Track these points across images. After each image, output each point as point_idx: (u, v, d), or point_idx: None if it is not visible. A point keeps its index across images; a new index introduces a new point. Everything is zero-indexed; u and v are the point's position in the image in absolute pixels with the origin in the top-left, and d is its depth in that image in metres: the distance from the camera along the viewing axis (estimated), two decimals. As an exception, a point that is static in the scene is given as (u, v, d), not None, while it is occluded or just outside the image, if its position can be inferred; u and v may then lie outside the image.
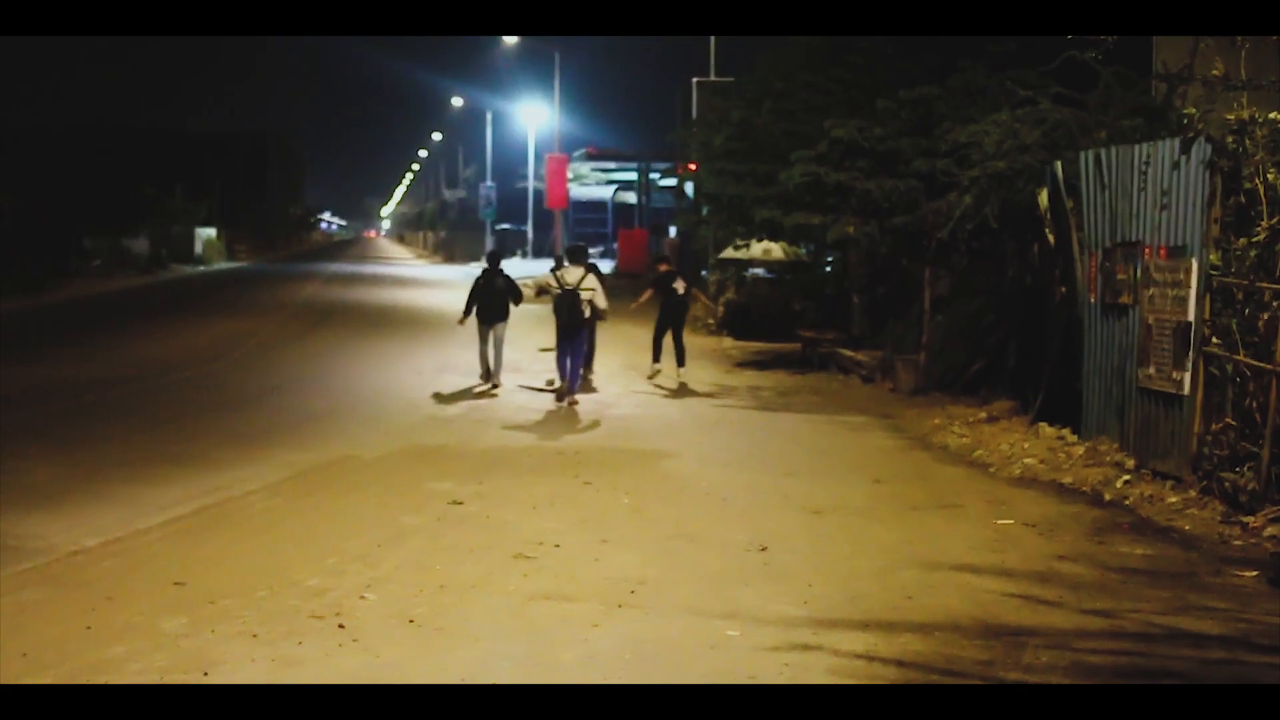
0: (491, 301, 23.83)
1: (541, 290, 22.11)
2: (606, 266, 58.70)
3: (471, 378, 24.33)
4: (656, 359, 26.04)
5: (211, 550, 11.52)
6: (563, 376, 22.06)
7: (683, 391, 23.97)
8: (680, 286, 26.58)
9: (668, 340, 26.06)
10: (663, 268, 27.89)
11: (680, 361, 25.81)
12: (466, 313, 24.11)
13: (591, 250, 29.80)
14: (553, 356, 23.28)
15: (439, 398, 22.23)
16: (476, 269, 26.68)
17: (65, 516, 12.63)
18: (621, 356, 28.67)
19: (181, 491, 13.96)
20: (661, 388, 24.43)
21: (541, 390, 23.12)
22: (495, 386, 23.61)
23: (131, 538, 11.97)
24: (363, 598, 10.04)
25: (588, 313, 21.84)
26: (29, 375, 23.39)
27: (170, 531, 12.29)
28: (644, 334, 31.29)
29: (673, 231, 57.33)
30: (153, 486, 14.20)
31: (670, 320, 26.19)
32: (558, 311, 21.78)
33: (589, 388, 23.78)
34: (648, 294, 26.85)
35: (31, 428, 17.91)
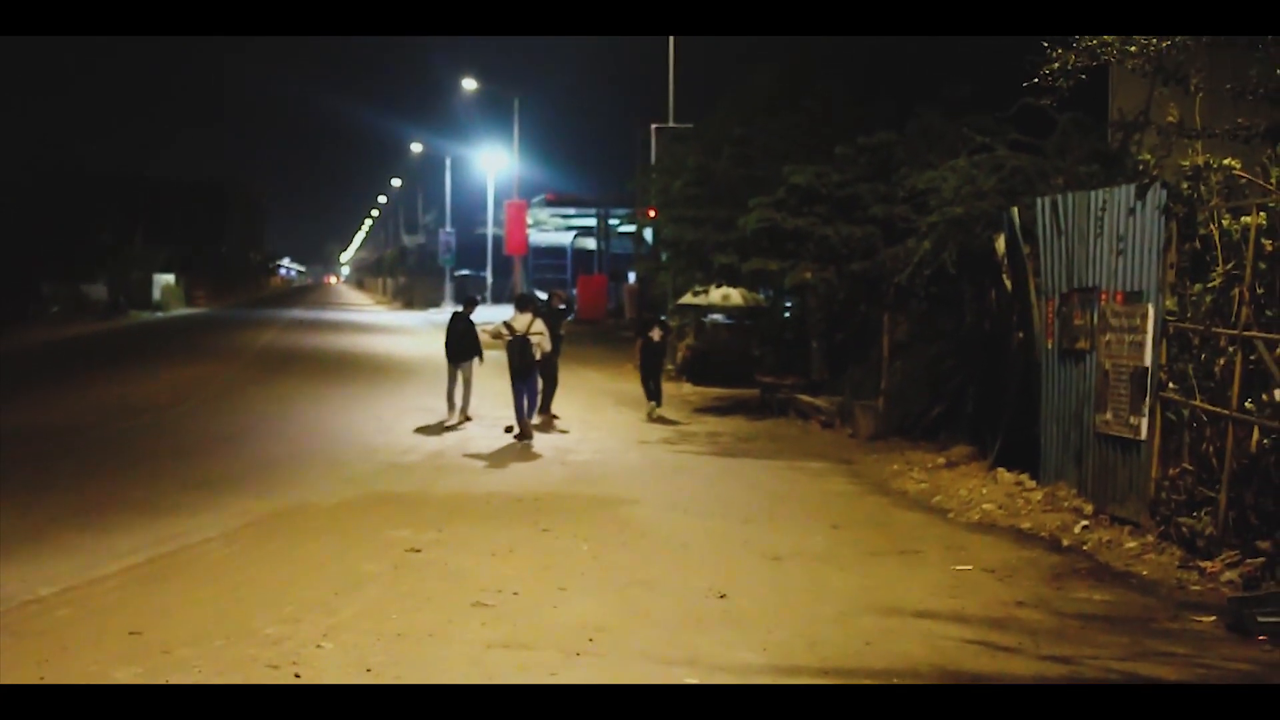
0: (458, 342, 25.35)
1: (496, 335, 23.14)
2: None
3: (432, 423, 24.45)
4: (650, 398, 27.45)
5: (168, 599, 11.43)
6: (518, 414, 23.05)
7: (644, 436, 23.94)
8: (656, 334, 27.90)
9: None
10: (645, 315, 30.29)
11: (657, 400, 27.40)
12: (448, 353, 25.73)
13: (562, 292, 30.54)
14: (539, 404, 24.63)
15: (398, 444, 22.17)
16: (436, 315, 27.27)
17: (20, 565, 12.53)
18: (581, 402, 28.69)
19: (138, 539, 13.87)
20: (653, 422, 24.50)
21: (507, 432, 23.20)
22: (465, 420, 25.05)
23: (87, 586, 11.87)
24: (319, 646, 9.97)
25: (537, 355, 23.18)
26: (-16, 422, 23.25)
27: (126, 580, 12.20)
28: (604, 380, 31.47)
29: (632, 277, 57.44)
30: (109, 534, 14.11)
31: (648, 363, 27.60)
32: (510, 355, 23.11)
33: (552, 427, 24.66)
34: (639, 343, 28.09)
35: (-14, 475, 17.77)
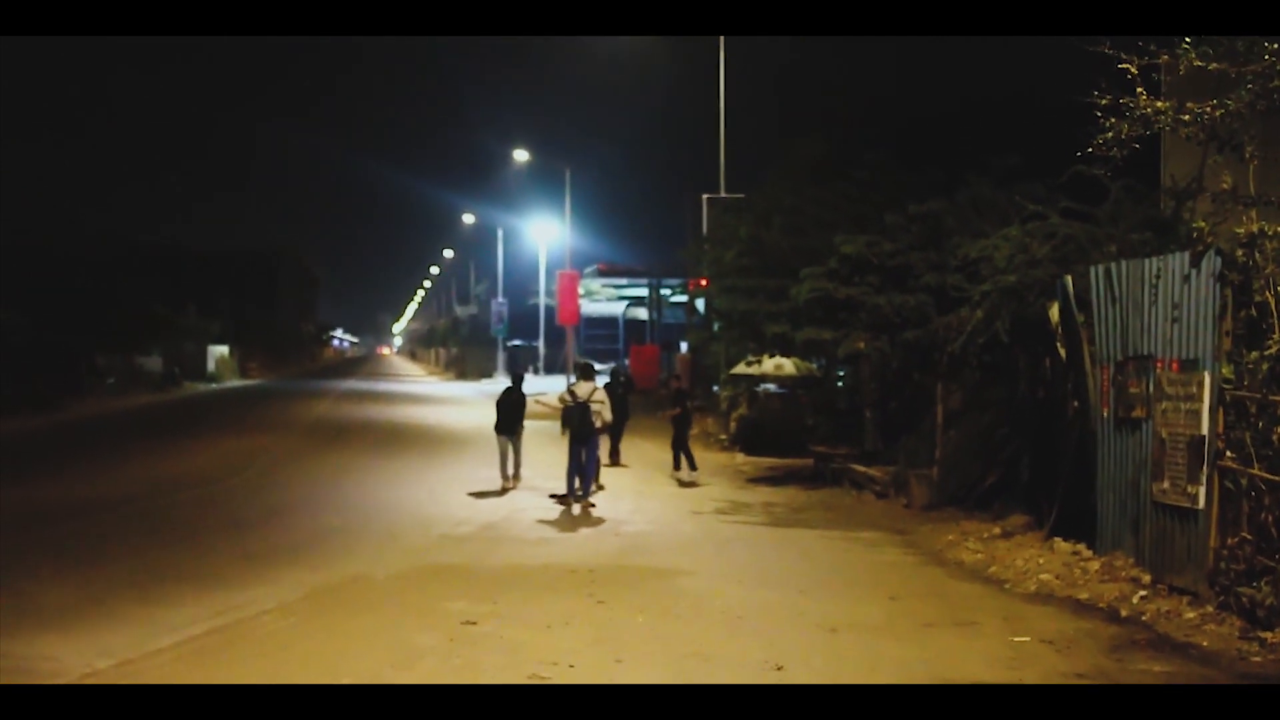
0: (510, 414, 25.89)
1: (562, 401, 23.78)
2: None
3: (486, 494, 24.70)
4: (677, 466, 28.66)
5: (223, 672, 11.41)
6: (569, 480, 23.71)
7: (698, 507, 23.93)
8: (690, 404, 29.52)
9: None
10: (675, 384, 31.90)
11: (692, 465, 28.60)
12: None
13: (598, 367, 31.35)
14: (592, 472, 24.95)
15: (452, 515, 22.18)
16: (488, 385, 27.79)
17: (77, 637, 12.57)
18: (635, 473, 28.73)
19: (194, 612, 13.90)
20: (686, 487, 24.56)
21: (556, 500, 23.43)
22: (516, 482, 25.88)
23: (143, 659, 11.88)
24: (376, 720, 9.94)
25: (598, 423, 23.84)
26: (42, 494, 23.43)
27: (183, 653, 12.20)
28: (655, 449, 31.42)
29: (684, 347, 57.52)
30: (165, 607, 14.14)
31: (684, 431, 28.86)
32: (569, 421, 23.83)
33: (594, 492, 24.76)
34: (676, 411, 29.25)
35: (44, 548, 17.88)
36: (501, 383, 26.85)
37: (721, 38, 43.65)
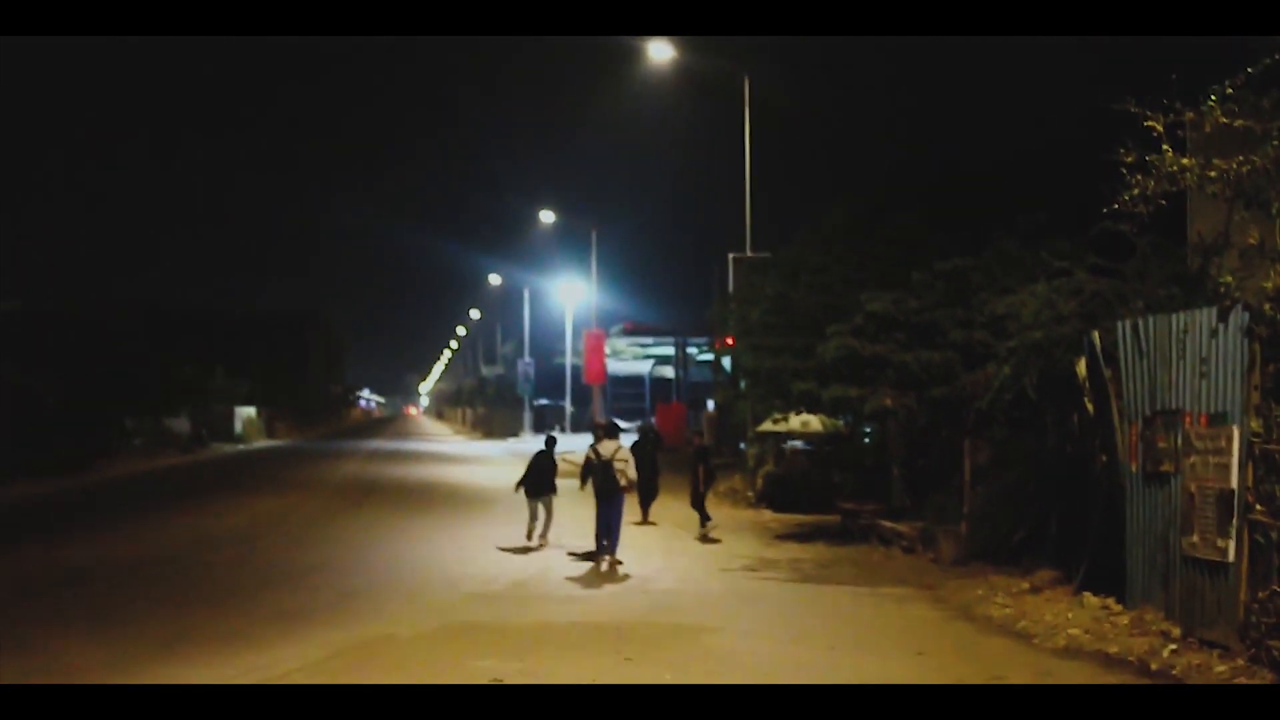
0: (540, 478, 26.05)
1: (587, 460, 23.72)
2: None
3: (514, 552, 24.75)
4: (703, 524, 28.67)
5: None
6: (598, 539, 23.71)
7: (726, 564, 23.89)
8: (710, 460, 30.10)
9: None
10: (697, 441, 32.73)
11: (705, 519, 28.82)
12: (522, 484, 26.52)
13: (623, 425, 31.60)
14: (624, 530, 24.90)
15: (480, 574, 22.13)
16: (515, 444, 27.90)
17: (107, 697, 12.57)
18: (663, 530, 28.69)
19: (221, 672, 13.86)
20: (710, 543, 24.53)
21: (583, 558, 23.46)
22: (544, 542, 25.73)
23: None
24: (405, 778, 9.94)
25: (623, 481, 23.77)
26: (71, 556, 23.54)
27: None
28: (681, 506, 31.37)
29: (711, 405, 57.52)
30: (192, 667, 14.11)
31: (698, 487, 29.47)
32: (589, 474, 24.19)
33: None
34: (701, 469, 29.83)
35: (77, 608, 17.96)
36: (528, 442, 26.86)
37: (746, 93, 43.77)
